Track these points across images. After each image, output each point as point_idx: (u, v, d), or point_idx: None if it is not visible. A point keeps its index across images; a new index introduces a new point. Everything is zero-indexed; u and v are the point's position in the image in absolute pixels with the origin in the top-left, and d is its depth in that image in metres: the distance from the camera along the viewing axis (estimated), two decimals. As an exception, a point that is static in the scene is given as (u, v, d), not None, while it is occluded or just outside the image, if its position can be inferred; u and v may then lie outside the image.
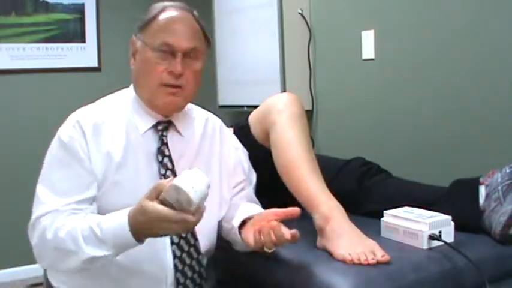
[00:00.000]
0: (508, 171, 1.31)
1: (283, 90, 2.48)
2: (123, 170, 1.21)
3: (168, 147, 1.27)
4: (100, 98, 1.31)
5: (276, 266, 1.23)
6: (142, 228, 1.04)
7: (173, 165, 1.26)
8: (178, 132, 1.31)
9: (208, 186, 1.02)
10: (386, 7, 2.13)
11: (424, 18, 1.98)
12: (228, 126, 1.52)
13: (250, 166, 1.50)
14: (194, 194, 0.98)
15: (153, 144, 1.27)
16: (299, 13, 2.51)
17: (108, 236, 1.08)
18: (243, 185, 1.43)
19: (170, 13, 1.27)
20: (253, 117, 1.56)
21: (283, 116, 1.42)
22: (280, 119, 1.42)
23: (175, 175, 1.24)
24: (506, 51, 1.71)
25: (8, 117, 3.11)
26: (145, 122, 1.27)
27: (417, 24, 2.01)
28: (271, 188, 1.41)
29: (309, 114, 2.48)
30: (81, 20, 3.26)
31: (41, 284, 2.00)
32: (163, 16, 1.26)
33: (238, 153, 1.45)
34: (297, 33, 2.52)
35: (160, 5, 1.29)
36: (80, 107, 1.27)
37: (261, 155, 1.47)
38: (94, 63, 3.31)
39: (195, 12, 1.31)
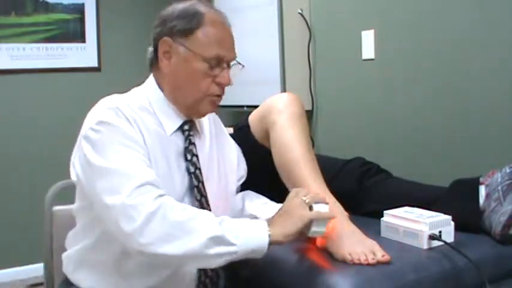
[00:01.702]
0: (508, 171, 1.31)
1: (283, 90, 2.48)
2: (154, 168, 1.20)
3: (195, 147, 1.29)
4: (100, 98, 1.27)
5: (276, 265, 1.23)
6: (280, 217, 1.13)
7: (200, 165, 1.28)
8: (198, 131, 1.33)
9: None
10: (386, 7, 2.13)
11: (424, 18, 1.98)
12: (228, 126, 1.52)
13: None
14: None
15: (179, 143, 1.27)
16: (299, 13, 2.51)
17: (240, 224, 1.10)
18: (244, 179, 1.47)
19: (215, 21, 1.25)
20: (253, 117, 1.56)
21: (283, 116, 1.42)
22: (280, 119, 1.42)
23: (201, 174, 1.28)
24: (506, 51, 1.71)
25: (8, 117, 3.12)
26: (172, 122, 1.27)
27: (417, 24, 2.01)
28: (271, 188, 1.41)
29: (309, 114, 2.48)
30: (81, 20, 3.26)
31: (41, 284, 2.00)
32: (209, 24, 1.23)
33: (236, 147, 1.48)
34: (297, 33, 2.52)
35: (199, 8, 1.25)
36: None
37: (261, 155, 1.47)
38: (94, 63, 3.31)
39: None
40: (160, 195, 1.09)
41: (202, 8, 1.26)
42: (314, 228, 1.14)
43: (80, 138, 1.20)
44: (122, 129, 1.16)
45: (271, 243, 1.09)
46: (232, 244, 1.06)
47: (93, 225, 1.23)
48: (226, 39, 1.26)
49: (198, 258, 1.07)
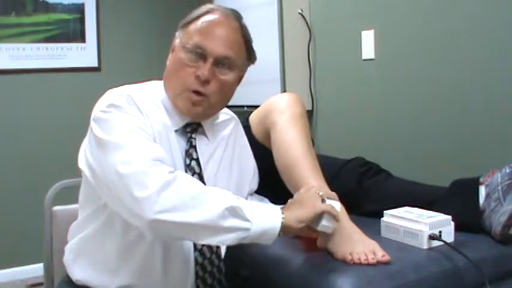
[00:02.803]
0: (508, 171, 1.31)
1: (283, 90, 2.48)
2: None
3: (196, 150, 1.26)
4: (100, 98, 1.27)
5: (276, 265, 1.23)
6: (293, 204, 1.13)
7: (201, 169, 1.26)
8: (206, 135, 1.30)
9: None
10: (386, 7, 2.13)
11: (424, 18, 1.98)
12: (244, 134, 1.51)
13: None
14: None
15: (181, 145, 1.25)
16: (299, 13, 2.51)
17: (255, 204, 1.10)
18: (253, 191, 1.47)
19: (213, 16, 1.22)
20: (254, 117, 1.56)
21: (284, 116, 1.42)
22: (281, 119, 1.42)
23: (202, 179, 1.25)
24: (506, 51, 1.71)
25: (8, 117, 3.11)
26: (174, 121, 1.25)
27: (417, 24, 2.01)
28: (272, 188, 1.41)
29: (309, 114, 2.48)
30: (81, 20, 3.26)
31: (41, 284, 2.00)
32: (205, 18, 1.22)
33: (254, 160, 1.46)
34: (297, 33, 2.52)
35: (207, 6, 1.26)
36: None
37: (261, 155, 1.47)
38: (94, 63, 3.31)
39: (243, 22, 1.27)
40: (172, 172, 1.08)
41: (211, 8, 1.25)
42: (324, 222, 1.14)
43: (90, 125, 1.19)
44: (131, 114, 1.16)
45: (283, 228, 1.08)
46: (247, 220, 1.05)
47: (97, 215, 1.23)
48: (215, 34, 1.20)
49: (211, 229, 1.04)
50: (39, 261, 2.51)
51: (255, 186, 1.46)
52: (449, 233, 1.25)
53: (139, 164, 1.05)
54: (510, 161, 1.35)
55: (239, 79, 1.29)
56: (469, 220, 1.32)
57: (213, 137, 1.32)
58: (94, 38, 3.29)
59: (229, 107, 1.38)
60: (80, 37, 3.26)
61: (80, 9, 3.25)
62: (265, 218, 1.07)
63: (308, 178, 1.32)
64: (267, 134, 1.47)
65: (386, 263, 1.13)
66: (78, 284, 1.26)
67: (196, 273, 1.25)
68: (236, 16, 1.26)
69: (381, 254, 1.14)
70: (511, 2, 1.69)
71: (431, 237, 1.22)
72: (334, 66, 2.43)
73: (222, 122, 1.37)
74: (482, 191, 1.34)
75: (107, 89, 1.27)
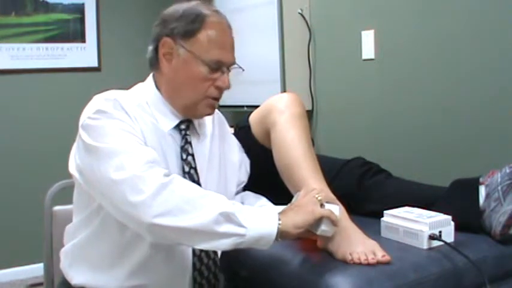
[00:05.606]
0: (508, 171, 1.31)
1: (283, 90, 2.48)
2: None
3: (191, 146, 1.29)
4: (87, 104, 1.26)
5: (276, 265, 1.23)
6: (291, 209, 1.12)
7: (195, 164, 1.28)
8: (196, 131, 1.33)
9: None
10: (386, 7, 2.13)
11: (424, 18, 1.98)
12: (228, 126, 1.52)
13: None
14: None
15: (175, 142, 1.28)
16: (299, 13, 2.51)
17: (251, 209, 1.10)
18: (244, 184, 1.48)
19: (216, 24, 1.24)
20: (253, 117, 1.56)
21: (284, 116, 1.42)
22: (281, 119, 1.42)
23: (197, 173, 1.28)
24: (506, 50, 1.71)
25: (8, 117, 3.12)
26: (168, 121, 1.27)
27: (417, 24, 2.01)
28: (272, 188, 1.41)
29: (309, 114, 2.48)
30: (81, 20, 3.26)
31: (41, 284, 2.00)
32: (211, 27, 1.23)
33: (241, 153, 1.48)
34: (297, 33, 2.52)
35: (201, 10, 1.25)
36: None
37: (261, 155, 1.47)
38: (94, 63, 3.32)
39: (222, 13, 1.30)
40: (167, 175, 1.08)
41: (204, 10, 1.25)
42: (323, 227, 1.13)
43: (79, 131, 1.19)
44: (119, 119, 1.16)
45: (280, 233, 1.07)
46: (242, 226, 1.05)
47: (90, 219, 1.24)
48: (227, 43, 1.26)
49: (206, 234, 1.04)
50: (39, 261, 2.51)
51: (244, 178, 1.47)
52: (449, 233, 1.25)
53: (133, 168, 1.06)
54: (510, 161, 1.35)
55: None
56: (469, 220, 1.32)
57: (201, 131, 1.35)
58: (94, 38, 3.29)
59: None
60: (80, 37, 3.27)
61: (80, 9, 3.25)
62: (260, 224, 1.07)
63: (308, 179, 1.32)
64: (267, 134, 1.47)
65: (386, 263, 1.13)
66: (78, 287, 1.26)
67: (194, 265, 1.26)
68: (222, 13, 1.29)
69: (381, 254, 1.14)
70: (511, 2, 1.69)
71: (431, 237, 1.22)
72: (334, 66, 2.43)
73: (206, 117, 1.39)
74: (482, 191, 1.34)
75: (107, 89, 1.27)
